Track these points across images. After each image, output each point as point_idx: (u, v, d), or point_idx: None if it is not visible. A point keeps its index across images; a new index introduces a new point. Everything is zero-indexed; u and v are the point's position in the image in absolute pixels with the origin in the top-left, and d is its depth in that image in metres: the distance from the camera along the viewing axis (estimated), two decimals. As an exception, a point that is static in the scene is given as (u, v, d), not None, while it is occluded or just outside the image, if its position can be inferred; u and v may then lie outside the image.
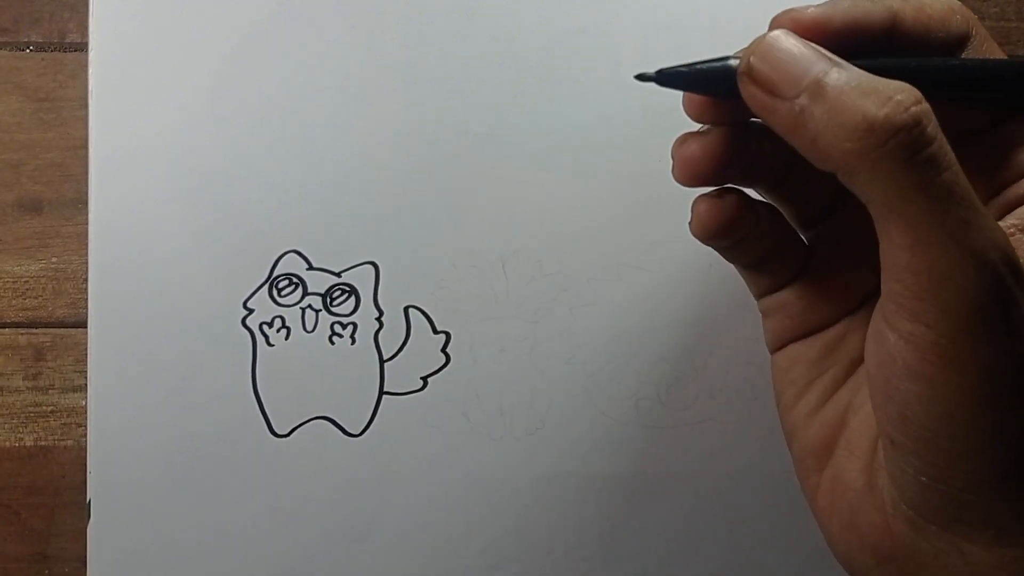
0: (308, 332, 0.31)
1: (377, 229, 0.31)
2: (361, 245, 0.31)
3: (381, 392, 0.31)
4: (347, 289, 0.31)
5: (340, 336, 0.31)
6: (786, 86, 0.19)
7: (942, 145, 0.18)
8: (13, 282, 0.35)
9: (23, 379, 0.35)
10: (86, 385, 0.30)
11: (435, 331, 0.32)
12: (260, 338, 0.31)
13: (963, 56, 0.22)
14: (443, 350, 0.32)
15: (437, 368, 0.32)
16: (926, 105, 0.18)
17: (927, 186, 0.18)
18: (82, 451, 0.32)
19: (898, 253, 0.18)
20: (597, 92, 0.32)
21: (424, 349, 0.32)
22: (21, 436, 0.35)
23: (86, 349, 0.30)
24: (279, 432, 0.31)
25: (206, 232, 0.31)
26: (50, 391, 0.35)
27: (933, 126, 0.18)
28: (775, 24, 0.21)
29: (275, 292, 0.31)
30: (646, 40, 0.32)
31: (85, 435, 0.31)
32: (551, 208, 0.32)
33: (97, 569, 0.31)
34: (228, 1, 0.31)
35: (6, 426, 0.35)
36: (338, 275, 0.31)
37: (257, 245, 0.31)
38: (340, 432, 0.31)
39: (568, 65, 0.32)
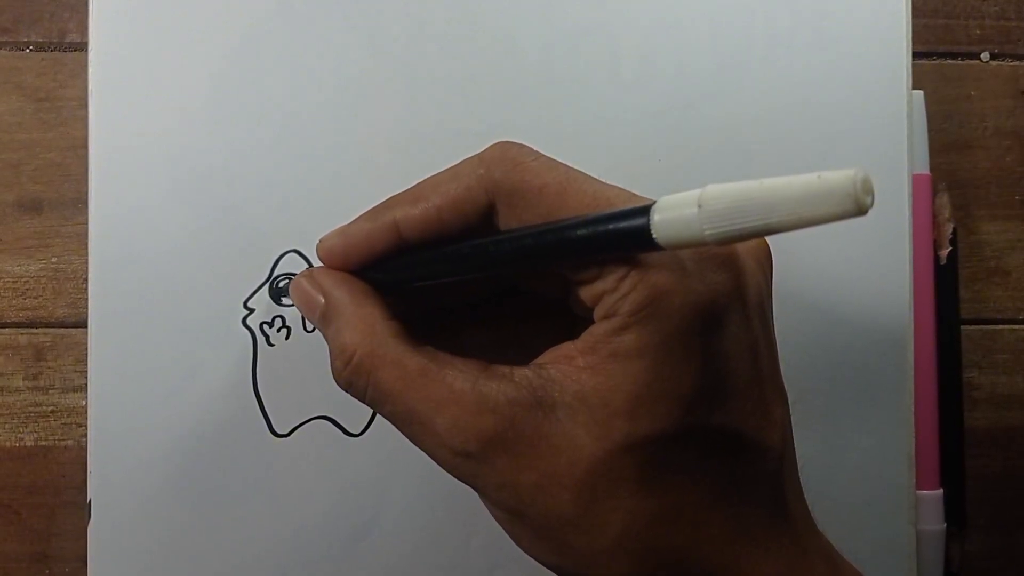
0: (308, 332, 0.31)
1: (377, 229, 0.31)
2: (361, 245, 0.31)
3: (381, 392, 0.31)
4: (347, 289, 0.31)
5: (340, 336, 0.31)
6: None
7: (376, 387, 0.22)
8: (13, 282, 0.35)
9: (23, 379, 0.35)
10: (86, 385, 0.30)
11: (435, 331, 0.32)
12: (260, 338, 0.31)
13: (499, 221, 0.22)
14: (443, 350, 0.32)
15: (437, 368, 0.31)
16: (361, 353, 0.22)
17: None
18: (82, 451, 0.32)
19: None
20: (597, 92, 0.32)
21: (424, 349, 0.31)
22: (21, 436, 0.35)
23: (86, 349, 0.30)
24: (279, 432, 0.31)
25: (206, 232, 0.31)
26: (50, 391, 0.35)
27: (365, 375, 0.22)
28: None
29: (275, 292, 0.31)
30: (646, 40, 0.32)
31: (85, 435, 0.31)
32: (551, 208, 0.31)
33: (97, 569, 0.31)
34: (228, 1, 0.31)
35: (6, 426, 0.35)
36: (338, 275, 0.31)
37: (257, 245, 0.31)
38: (340, 432, 0.31)
39: (568, 65, 0.32)
